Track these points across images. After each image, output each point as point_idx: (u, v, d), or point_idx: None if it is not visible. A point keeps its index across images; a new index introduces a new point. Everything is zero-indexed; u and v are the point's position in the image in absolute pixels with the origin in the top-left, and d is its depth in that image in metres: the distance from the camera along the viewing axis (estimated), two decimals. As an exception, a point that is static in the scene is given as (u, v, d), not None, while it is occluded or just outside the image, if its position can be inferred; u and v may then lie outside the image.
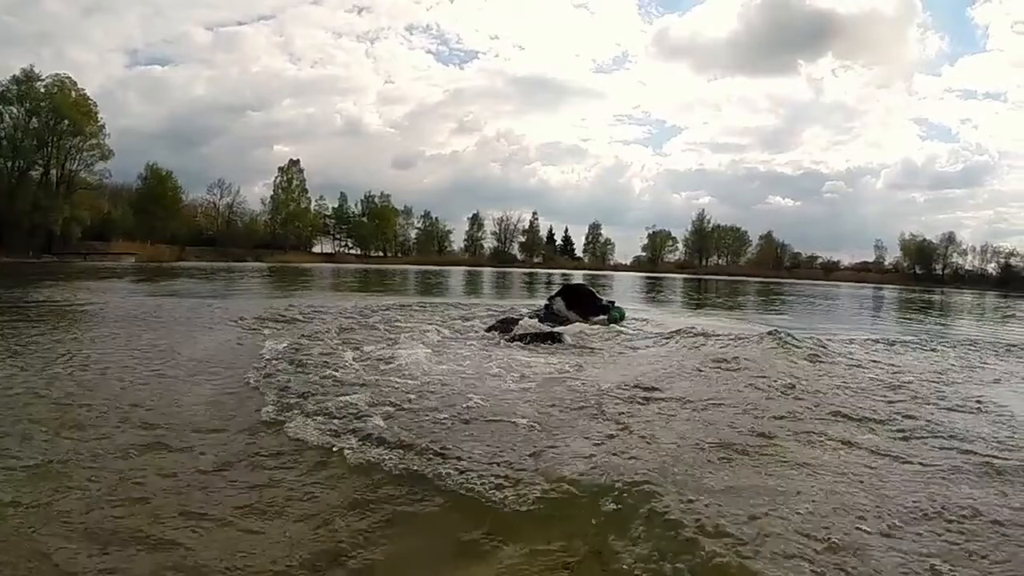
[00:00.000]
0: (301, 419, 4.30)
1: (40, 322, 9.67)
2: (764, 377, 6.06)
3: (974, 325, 19.18)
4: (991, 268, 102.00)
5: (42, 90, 67.36)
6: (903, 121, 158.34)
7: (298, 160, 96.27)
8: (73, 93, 68.73)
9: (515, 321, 8.93)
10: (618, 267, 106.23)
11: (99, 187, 73.58)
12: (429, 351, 6.97)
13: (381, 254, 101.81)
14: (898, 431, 4.44)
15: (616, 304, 9.92)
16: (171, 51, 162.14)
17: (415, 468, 3.48)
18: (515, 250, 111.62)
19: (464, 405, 4.69)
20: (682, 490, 3.11)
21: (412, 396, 4.91)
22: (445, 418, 4.37)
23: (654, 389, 5.38)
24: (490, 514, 3.04)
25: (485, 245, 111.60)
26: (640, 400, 5.01)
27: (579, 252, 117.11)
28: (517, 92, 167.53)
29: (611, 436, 4.06)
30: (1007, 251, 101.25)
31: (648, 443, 3.92)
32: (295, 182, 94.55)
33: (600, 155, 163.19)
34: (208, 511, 3.06)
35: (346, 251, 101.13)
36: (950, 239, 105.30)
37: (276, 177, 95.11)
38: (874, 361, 7.83)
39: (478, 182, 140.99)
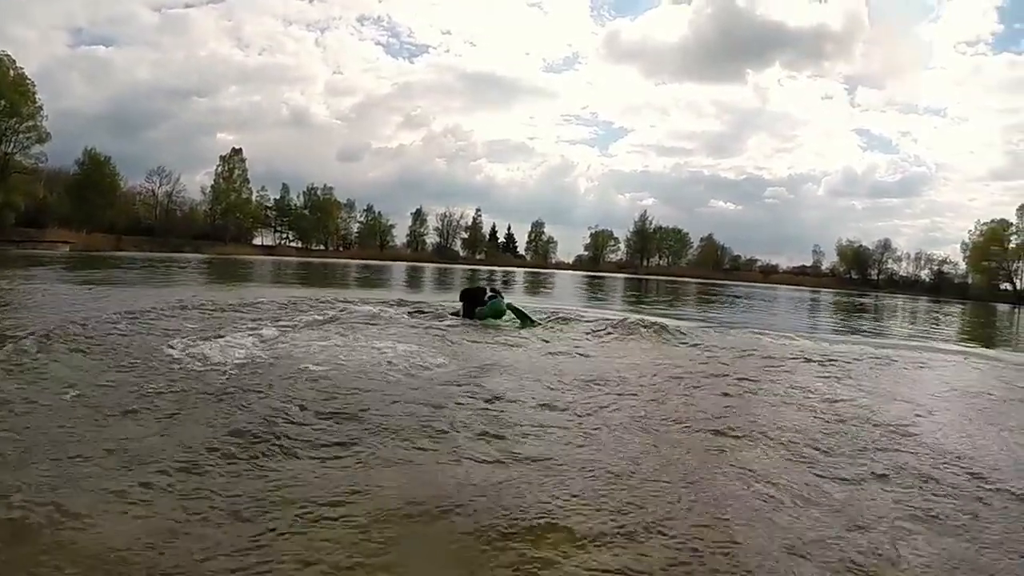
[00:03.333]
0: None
1: None
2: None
3: (885, 324, 19.83)
4: (924, 274, 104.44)
5: (-23, 68, 65.64)
6: (845, 131, 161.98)
7: (240, 149, 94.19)
8: (11, 72, 66.44)
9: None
10: (560, 265, 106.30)
11: (35, 171, 71.49)
12: (263, 339, 7.06)
13: (322, 247, 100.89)
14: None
15: (497, 299, 10.40)
16: (116, 31, 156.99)
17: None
18: (458, 246, 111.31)
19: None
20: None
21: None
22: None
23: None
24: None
25: (428, 241, 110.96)
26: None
27: (522, 250, 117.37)
28: (466, 88, 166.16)
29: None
30: (940, 259, 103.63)
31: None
32: (237, 172, 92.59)
33: (547, 154, 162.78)
34: None
35: (287, 244, 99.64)
36: (886, 246, 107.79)
37: (217, 166, 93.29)
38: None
39: (423, 177, 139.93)
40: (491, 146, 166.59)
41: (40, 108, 68.38)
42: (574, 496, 3.23)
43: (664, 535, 2.90)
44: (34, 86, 68.54)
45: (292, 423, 4.07)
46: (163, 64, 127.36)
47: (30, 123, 67.54)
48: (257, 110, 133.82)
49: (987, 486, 3.73)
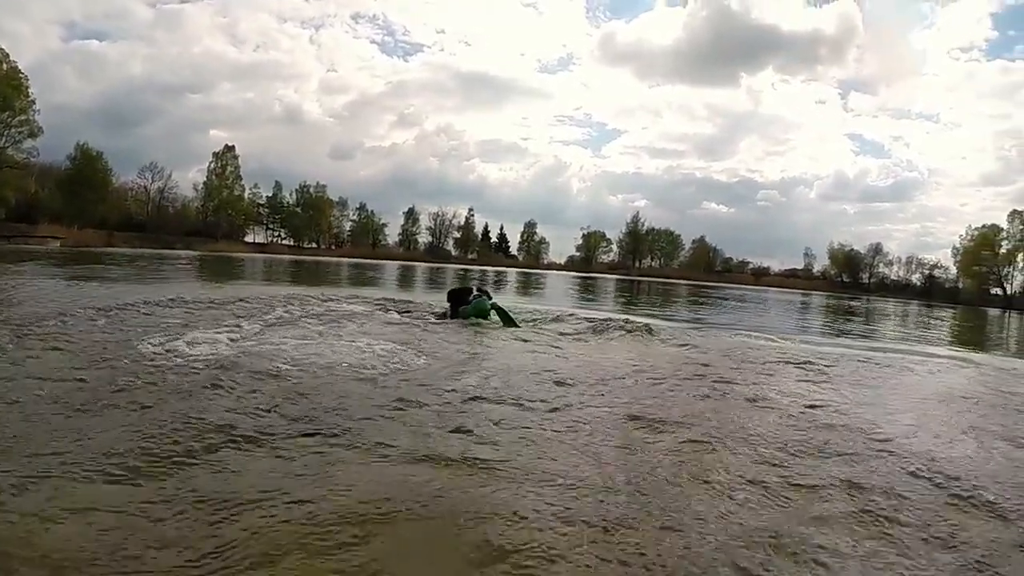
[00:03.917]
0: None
1: None
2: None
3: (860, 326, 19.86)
4: (915, 279, 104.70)
5: (-30, 61, 65.18)
6: (838, 136, 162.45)
7: (233, 146, 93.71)
8: (4, 65, 66.10)
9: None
10: (552, 266, 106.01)
11: (26, 166, 70.94)
12: (242, 336, 7.05)
13: (315, 245, 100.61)
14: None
15: (482, 299, 10.46)
16: (111, 26, 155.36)
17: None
18: (450, 246, 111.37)
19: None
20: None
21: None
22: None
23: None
24: None
25: (420, 240, 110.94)
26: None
27: (514, 250, 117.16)
28: (460, 87, 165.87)
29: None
30: (931, 263, 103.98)
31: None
32: (229, 168, 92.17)
33: (540, 154, 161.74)
34: None
35: (279, 242, 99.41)
36: (877, 250, 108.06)
37: (210, 163, 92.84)
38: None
39: (416, 176, 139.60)
40: (484, 146, 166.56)
41: (32, 102, 67.91)
42: (532, 498, 3.22)
43: (611, 540, 2.88)
44: (27, 80, 68.08)
45: (260, 422, 4.07)
46: (157, 60, 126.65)
47: (22, 117, 67.01)
48: (250, 107, 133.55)
49: (964, 494, 3.64)
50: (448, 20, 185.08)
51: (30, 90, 68.02)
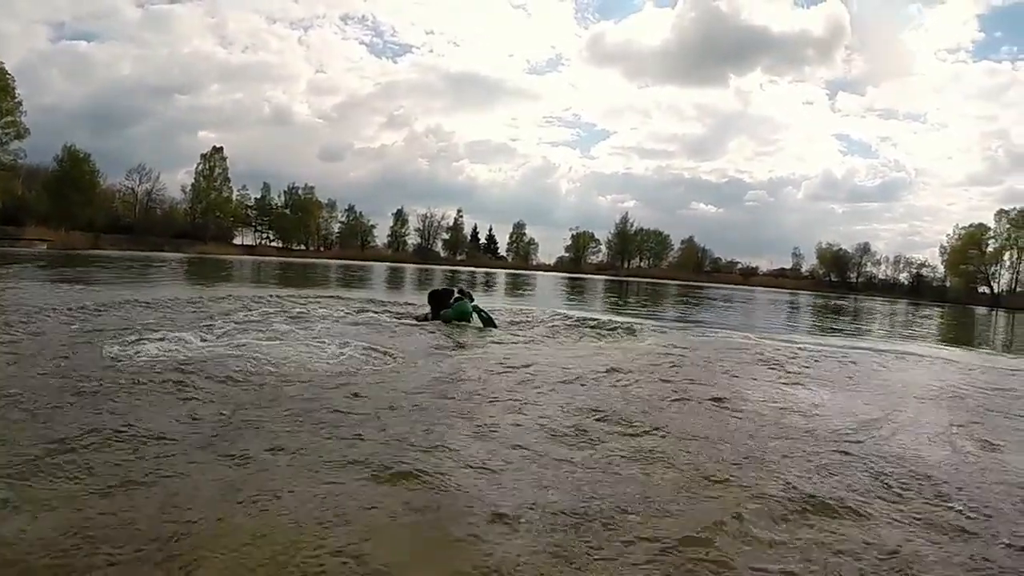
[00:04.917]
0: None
1: None
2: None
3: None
4: (903, 278, 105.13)
5: (-44, 62, 64.70)
6: (826, 136, 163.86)
7: (221, 148, 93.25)
8: (-9, 66, 66.20)
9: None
10: (541, 267, 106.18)
11: (13, 168, 70.62)
12: (214, 336, 7.03)
13: (303, 247, 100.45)
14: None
15: (463, 301, 10.40)
16: (99, 26, 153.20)
17: None
18: (439, 247, 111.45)
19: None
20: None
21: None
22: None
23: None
24: None
25: (409, 242, 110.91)
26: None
27: (503, 251, 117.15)
28: (449, 88, 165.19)
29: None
30: (919, 262, 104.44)
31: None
32: (217, 170, 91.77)
33: (529, 155, 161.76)
34: None
35: (267, 243, 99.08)
36: (865, 249, 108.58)
37: (198, 164, 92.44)
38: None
39: (405, 178, 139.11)
40: (473, 147, 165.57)
41: (19, 103, 67.63)
42: (476, 502, 3.20)
43: (546, 541, 2.85)
44: (14, 81, 67.77)
45: (216, 424, 4.05)
46: (145, 60, 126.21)
47: (9, 118, 66.68)
48: (239, 108, 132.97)
49: (929, 501, 3.49)
50: (437, 21, 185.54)
51: (17, 91, 67.75)
